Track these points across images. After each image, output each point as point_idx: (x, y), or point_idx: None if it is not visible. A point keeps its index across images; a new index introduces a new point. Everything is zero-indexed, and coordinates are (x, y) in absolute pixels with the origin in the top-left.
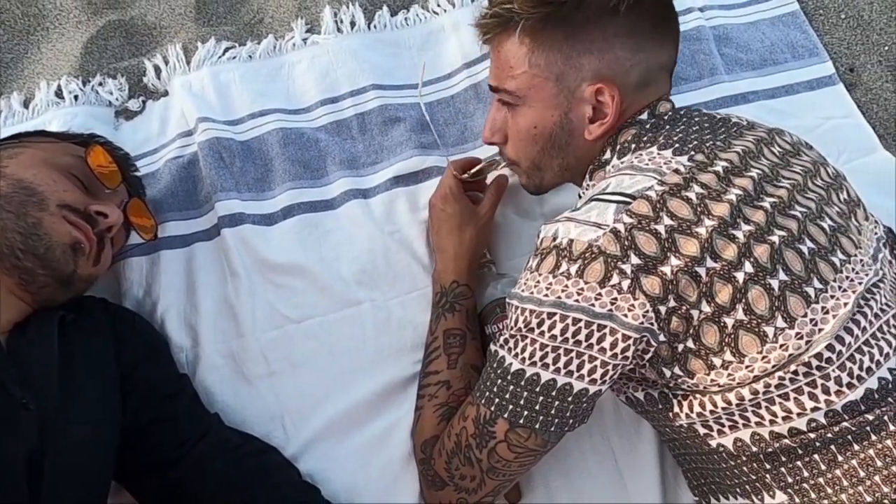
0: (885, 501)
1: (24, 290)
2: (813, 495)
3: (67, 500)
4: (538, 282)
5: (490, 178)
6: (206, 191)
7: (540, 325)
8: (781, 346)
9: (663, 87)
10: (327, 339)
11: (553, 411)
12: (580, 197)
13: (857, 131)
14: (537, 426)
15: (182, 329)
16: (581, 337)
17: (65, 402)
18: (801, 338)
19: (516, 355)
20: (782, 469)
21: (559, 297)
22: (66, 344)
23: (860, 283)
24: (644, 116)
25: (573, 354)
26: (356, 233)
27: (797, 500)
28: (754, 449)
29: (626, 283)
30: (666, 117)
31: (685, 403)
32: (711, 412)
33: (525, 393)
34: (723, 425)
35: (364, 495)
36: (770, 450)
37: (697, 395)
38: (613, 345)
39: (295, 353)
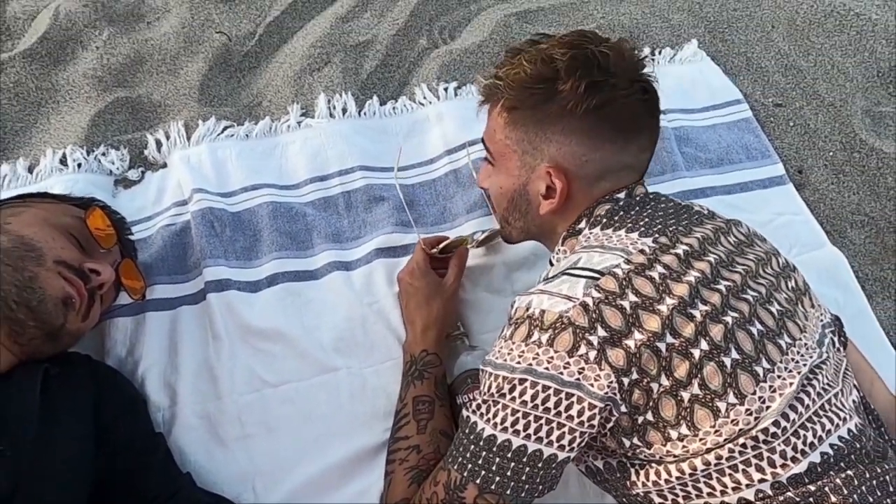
0: None
1: (14, 341)
2: None
3: None
4: (511, 349)
5: None
6: (196, 257)
7: (512, 391)
8: (732, 420)
9: (625, 181)
10: (304, 404)
11: (524, 477)
12: (551, 263)
13: (806, 227)
14: (508, 492)
15: (161, 389)
16: (550, 404)
17: (39, 452)
18: (751, 413)
19: (488, 420)
20: None
21: (530, 365)
22: (48, 396)
23: (804, 365)
24: (621, 195)
25: (542, 421)
26: (337, 302)
27: None
28: None
29: (592, 354)
30: (637, 198)
31: (642, 472)
32: (666, 481)
33: (497, 459)
34: (676, 495)
35: None
36: None
37: (654, 465)
38: (580, 413)
39: (270, 417)
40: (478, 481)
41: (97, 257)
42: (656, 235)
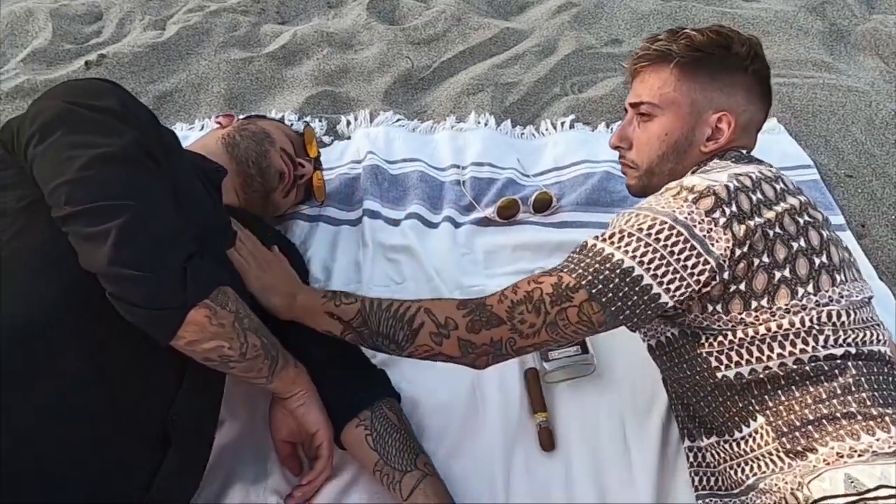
0: (836, 414)
1: (242, 189)
2: (784, 412)
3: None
4: (659, 201)
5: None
6: (360, 196)
7: (650, 227)
8: (803, 306)
9: (753, 139)
10: (415, 297)
11: (629, 303)
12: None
13: (860, 264)
14: (612, 309)
15: (321, 270)
16: (676, 249)
17: None
18: (818, 304)
19: (618, 248)
20: (765, 396)
21: (674, 211)
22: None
23: (862, 293)
24: (744, 152)
25: (664, 262)
26: (443, 244)
27: (772, 419)
28: (748, 378)
29: (722, 220)
30: (754, 160)
31: (711, 337)
32: (730, 343)
33: (616, 279)
34: (731, 358)
35: (421, 406)
36: (761, 376)
37: (724, 332)
38: (695, 265)
39: None
40: (592, 291)
41: (304, 160)
42: (774, 170)
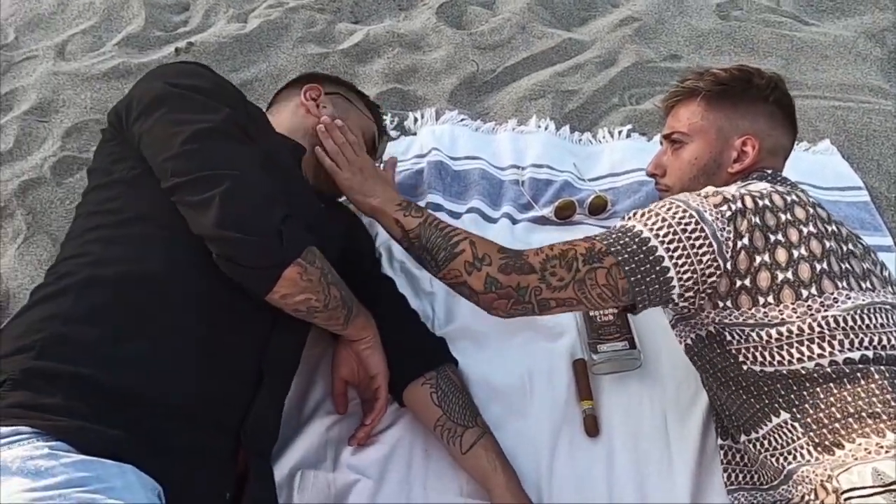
0: (862, 414)
1: (312, 175)
2: (810, 409)
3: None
4: (682, 196)
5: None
6: (423, 189)
7: (670, 209)
8: (808, 306)
9: (781, 162)
10: None
11: (646, 276)
12: None
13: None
14: (632, 278)
15: (385, 251)
16: (687, 226)
17: (323, 227)
18: (823, 305)
19: (645, 224)
20: (791, 394)
21: (687, 200)
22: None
23: (878, 297)
24: (769, 171)
25: (676, 238)
26: (502, 238)
27: (798, 415)
28: (771, 372)
29: (728, 214)
30: (779, 178)
31: (733, 336)
32: (753, 342)
33: (640, 252)
34: (755, 356)
35: (473, 382)
36: (784, 373)
37: (744, 329)
38: (701, 245)
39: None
40: (619, 259)
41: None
42: (790, 188)
